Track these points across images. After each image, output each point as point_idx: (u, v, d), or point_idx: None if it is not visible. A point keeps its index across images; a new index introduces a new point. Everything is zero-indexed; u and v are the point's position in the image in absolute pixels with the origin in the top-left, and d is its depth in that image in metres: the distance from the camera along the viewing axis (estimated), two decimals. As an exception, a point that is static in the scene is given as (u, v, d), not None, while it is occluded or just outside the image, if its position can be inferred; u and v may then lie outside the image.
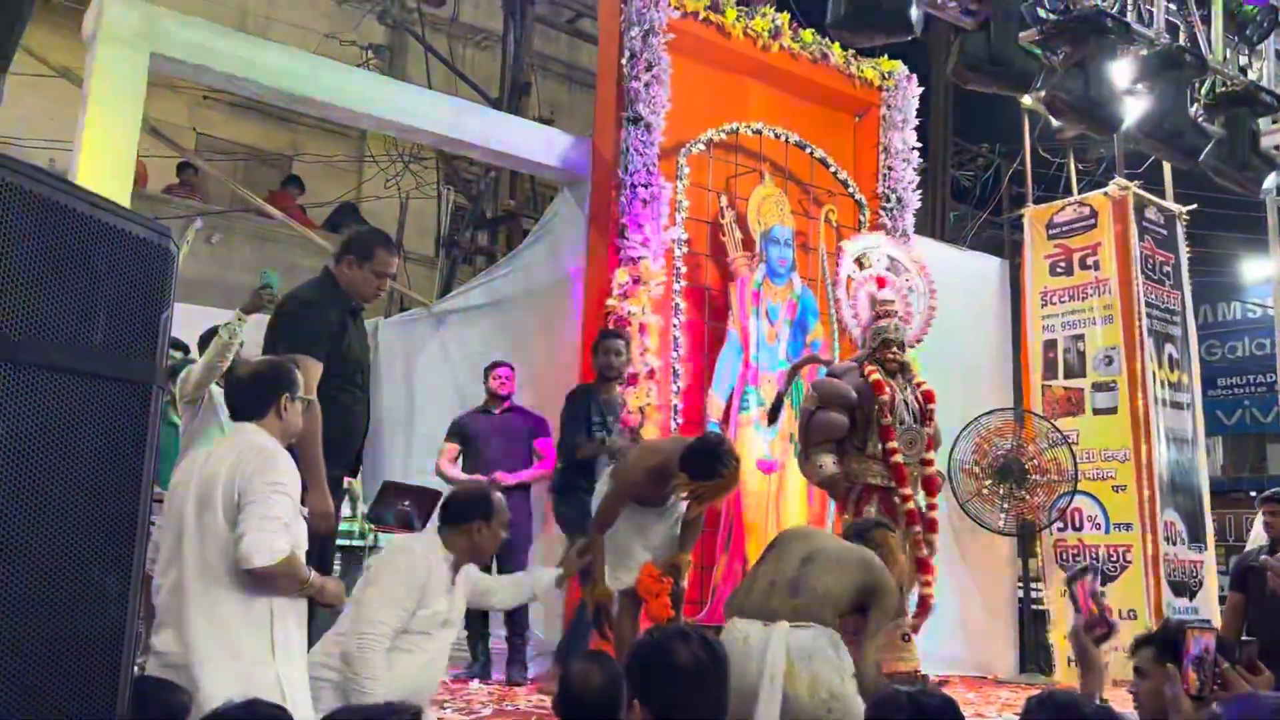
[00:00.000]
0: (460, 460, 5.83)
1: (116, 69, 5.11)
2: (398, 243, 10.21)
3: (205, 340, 4.88)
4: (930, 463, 5.72)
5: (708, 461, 4.16)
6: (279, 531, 2.77)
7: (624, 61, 6.22)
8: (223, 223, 9.63)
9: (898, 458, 5.51)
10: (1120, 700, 3.13)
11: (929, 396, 5.71)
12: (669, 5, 6.37)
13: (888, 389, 5.54)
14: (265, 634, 2.81)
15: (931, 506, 5.74)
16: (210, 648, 2.74)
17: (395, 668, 3.27)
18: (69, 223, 1.72)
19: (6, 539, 1.64)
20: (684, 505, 4.52)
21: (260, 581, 2.77)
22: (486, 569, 5.39)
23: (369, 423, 4.13)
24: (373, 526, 5.87)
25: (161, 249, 1.92)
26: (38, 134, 8.22)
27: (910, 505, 5.54)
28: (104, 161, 5.00)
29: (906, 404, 5.60)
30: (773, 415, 5.90)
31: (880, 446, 5.53)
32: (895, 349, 5.66)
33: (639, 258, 6.07)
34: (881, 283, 6.10)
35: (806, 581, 3.50)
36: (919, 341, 6.15)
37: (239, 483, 2.81)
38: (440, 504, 3.78)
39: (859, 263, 6.36)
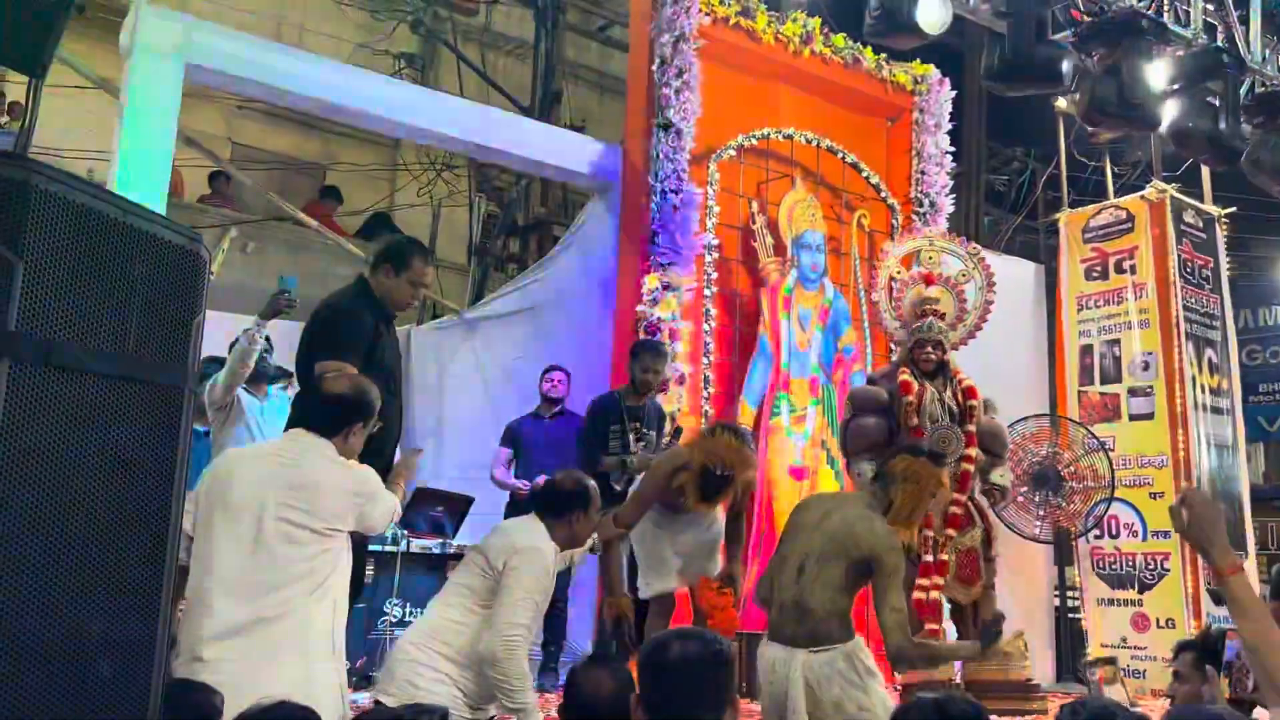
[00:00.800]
0: (513, 465, 5.84)
1: (153, 80, 5.19)
2: (430, 250, 10.30)
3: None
4: (969, 459, 5.55)
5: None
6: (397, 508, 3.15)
7: (655, 68, 6.23)
8: (257, 231, 9.72)
9: None
10: (1159, 710, 3.08)
11: (970, 393, 5.57)
12: (700, 11, 6.37)
13: (915, 389, 5.46)
14: (329, 632, 2.90)
15: (956, 503, 5.58)
16: (273, 642, 2.79)
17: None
18: (105, 229, 1.75)
19: (42, 538, 1.67)
20: (720, 517, 4.50)
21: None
22: None
23: (402, 428, 4.15)
24: (405, 532, 5.89)
25: (193, 255, 1.94)
26: (76, 145, 8.33)
27: (956, 510, 5.43)
28: (141, 171, 5.07)
29: (943, 403, 5.50)
30: None
31: None
32: (930, 348, 5.56)
33: (670, 264, 6.07)
34: (930, 279, 5.96)
35: (806, 603, 3.46)
36: (973, 336, 6.02)
37: (350, 495, 2.98)
38: (539, 495, 3.80)
39: (905, 263, 6.27)
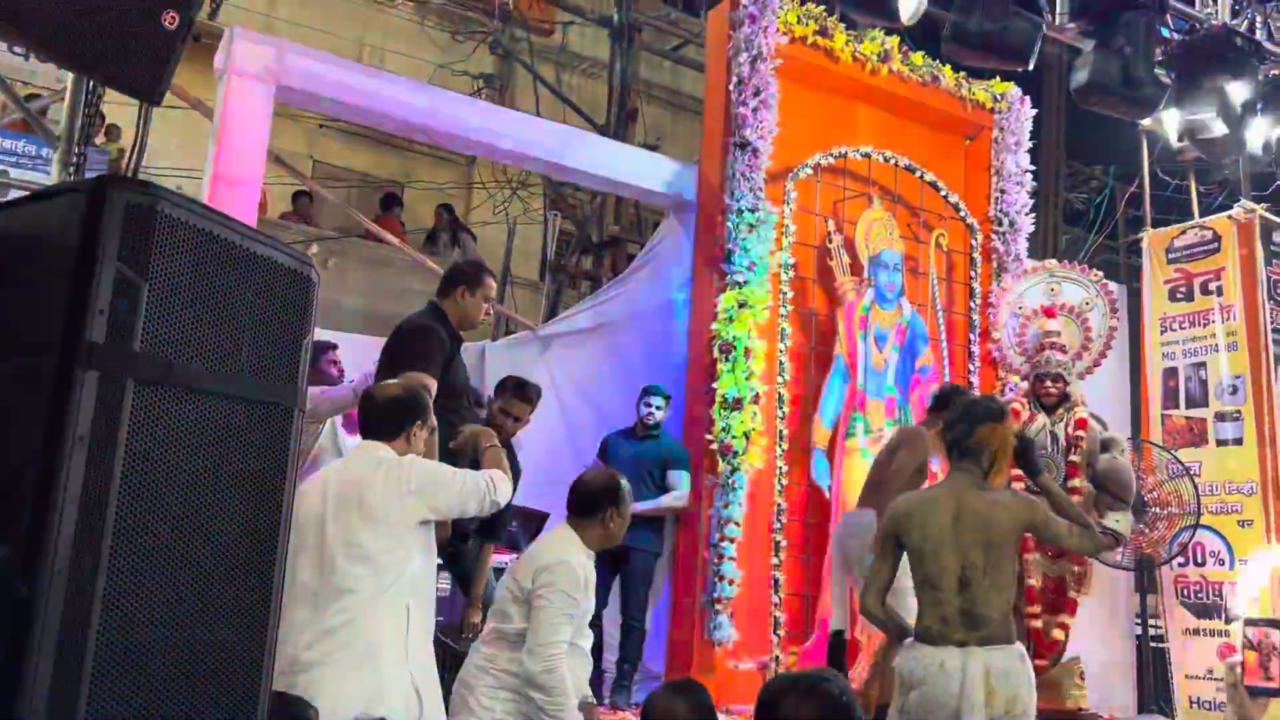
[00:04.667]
0: None
1: (245, 102, 5.33)
2: (505, 266, 10.43)
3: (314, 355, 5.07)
4: (1074, 491, 5.53)
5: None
6: (488, 475, 3.16)
7: (731, 87, 6.25)
8: (337, 248, 9.93)
9: (1020, 484, 5.36)
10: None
11: (1079, 424, 5.59)
12: (777, 31, 6.37)
13: (1023, 418, 5.45)
14: (401, 636, 2.91)
15: None
16: (344, 651, 2.82)
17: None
18: (224, 252, 1.81)
19: (158, 551, 1.73)
20: None
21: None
22: (609, 584, 5.39)
23: None
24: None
25: (304, 277, 2.00)
26: (167, 164, 8.59)
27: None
28: (232, 190, 5.22)
29: (1054, 435, 5.48)
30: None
31: None
32: (1050, 382, 5.58)
33: (745, 282, 6.06)
34: (1050, 313, 5.97)
35: (978, 611, 3.35)
36: (1098, 365, 5.98)
37: (407, 493, 2.97)
38: (569, 498, 3.77)
39: (1025, 298, 6.28)
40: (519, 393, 4.67)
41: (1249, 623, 2.70)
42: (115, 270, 1.67)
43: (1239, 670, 2.55)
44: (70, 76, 3.34)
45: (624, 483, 3.60)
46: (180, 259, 1.74)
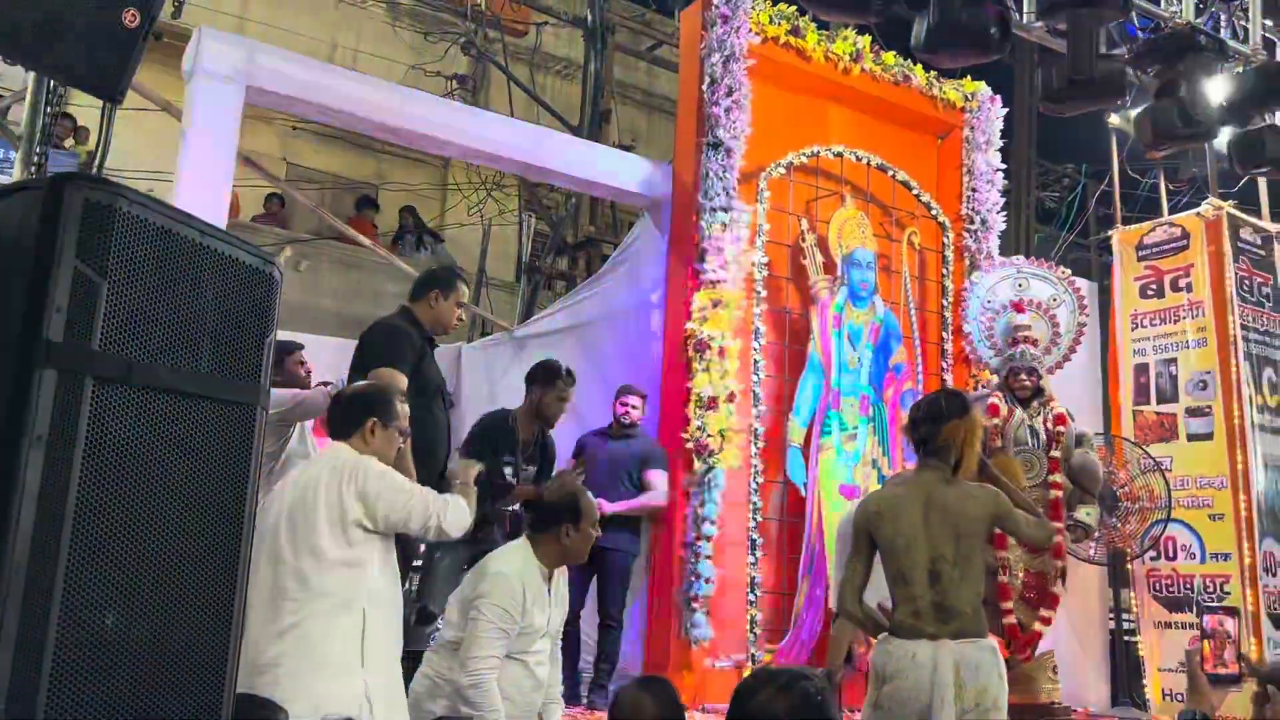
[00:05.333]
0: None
1: (215, 102, 5.29)
2: (480, 268, 10.42)
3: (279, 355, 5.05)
4: (1056, 485, 5.57)
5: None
6: (443, 500, 3.08)
7: (704, 87, 6.26)
8: (310, 250, 9.89)
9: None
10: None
11: (1059, 420, 5.62)
12: (750, 31, 6.40)
13: (1002, 413, 5.48)
14: (356, 643, 2.86)
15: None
16: (295, 656, 2.79)
17: (499, 683, 3.29)
18: (184, 250, 1.80)
19: (119, 551, 1.71)
20: None
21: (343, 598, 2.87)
22: (585, 585, 5.37)
23: (450, 442, 4.26)
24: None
25: (266, 275, 1.99)
26: (136, 166, 8.53)
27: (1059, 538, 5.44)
28: (202, 192, 5.18)
29: (1032, 429, 5.52)
30: None
31: None
32: (1024, 375, 5.61)
33: (719, 281, 6.07)
34: (1019, 308, 6.01)
35: (950, 603, 3.36)
36: (1068, 359, 6.03)
37: (350, 494, 2.91)
38: (527, 511, 3.78)
39: (994, 291, 6.30)
40: (570, 377, 5.00)
41: (1205, 610, 2.75)
42: (73, 268, 1.65)
43: (1198, 659, 2.58)
44: (32, 77, 3.32)
45: (585, 501, 3.59)
46: (140, 256, 1.73)
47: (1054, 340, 5.92)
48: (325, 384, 4.89)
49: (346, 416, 3.13)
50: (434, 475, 4.12)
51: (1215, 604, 3.42)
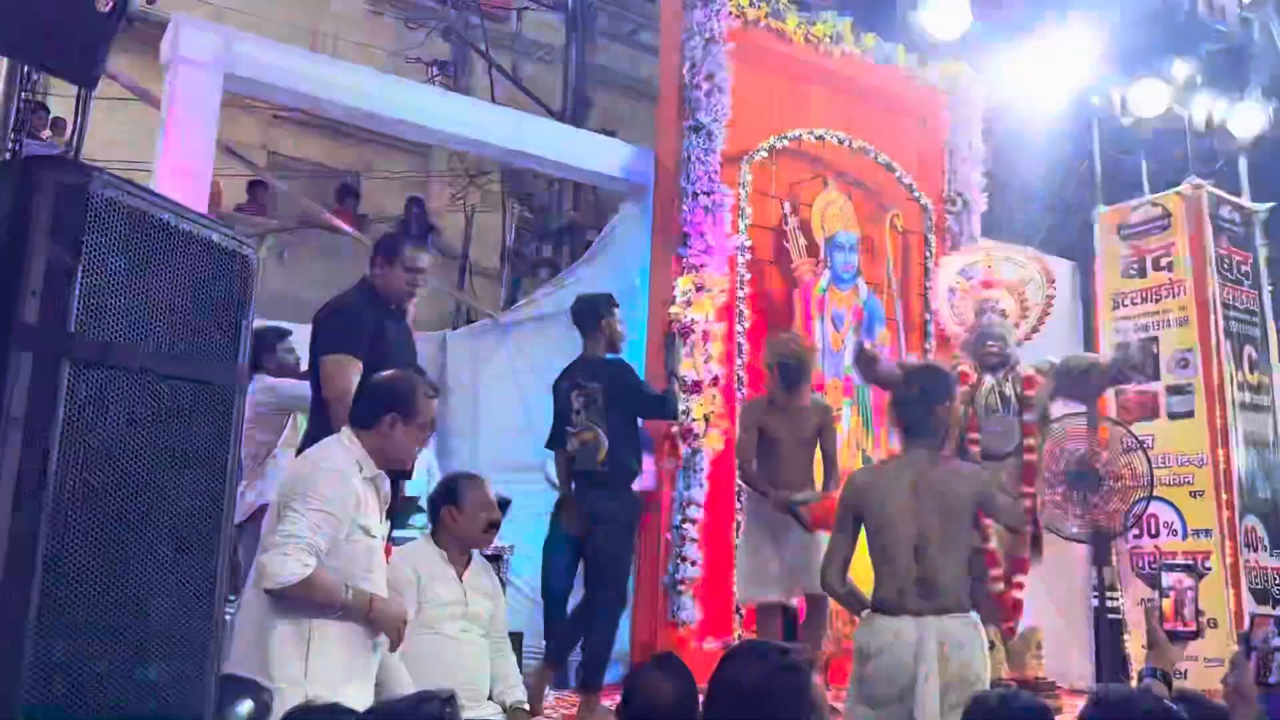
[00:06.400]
0: None
1: (193, 90, 5.26)
2: (464, 254, 10.39)
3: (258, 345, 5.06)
4: (1029, 449, 5.62)
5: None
6: (299, 552, 2.65)
7: (685, 71, 6.26)
8: (293, 239, 9.84)
9: (974, 448, 5.43)
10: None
11: (1027, 383, 5.66)
12: (729, 14, 6.39)
13: (972, 380, 5.51)
14: (300, 655, 2.75)
15: (1026, 494, 5.62)
16: (242, 661, 2.72)
17: (413, 667, 3.17)
18: (159, 232, 1.80)
19: (98, 532, 1.72)
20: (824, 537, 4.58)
21: (285, 601, 2.69)
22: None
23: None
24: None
25: (242, 256, 1.99)
26: (117, 156, 8.47)
27: (1029, 502, 5.50)
28: (182, 181, 5.15)
29: (1002, 395, 5.55)
30: None
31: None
32: (992, 343, 5.66)
33: (702, 265, 6.08)
34: (990, 284, 6.06)
35: (934, 580, 3.40)
36: (1038, 331, 6.09)
37: (283, 493, 2.83)
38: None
39: (963, 274, 6.32)
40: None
41: (1166, 568, 2.78)
42: (47, 251, 1.65)
43: (1157, 615, 2.61)
44: (4, 62, 3.28)
45: (462, 483, 3.62)
46: (114, 239, 1.73)
47: (1023, 314, 5.98)
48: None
49: (367, 408, 3.03)
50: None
51: (1175, 563, 3.48)
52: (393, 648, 3.03)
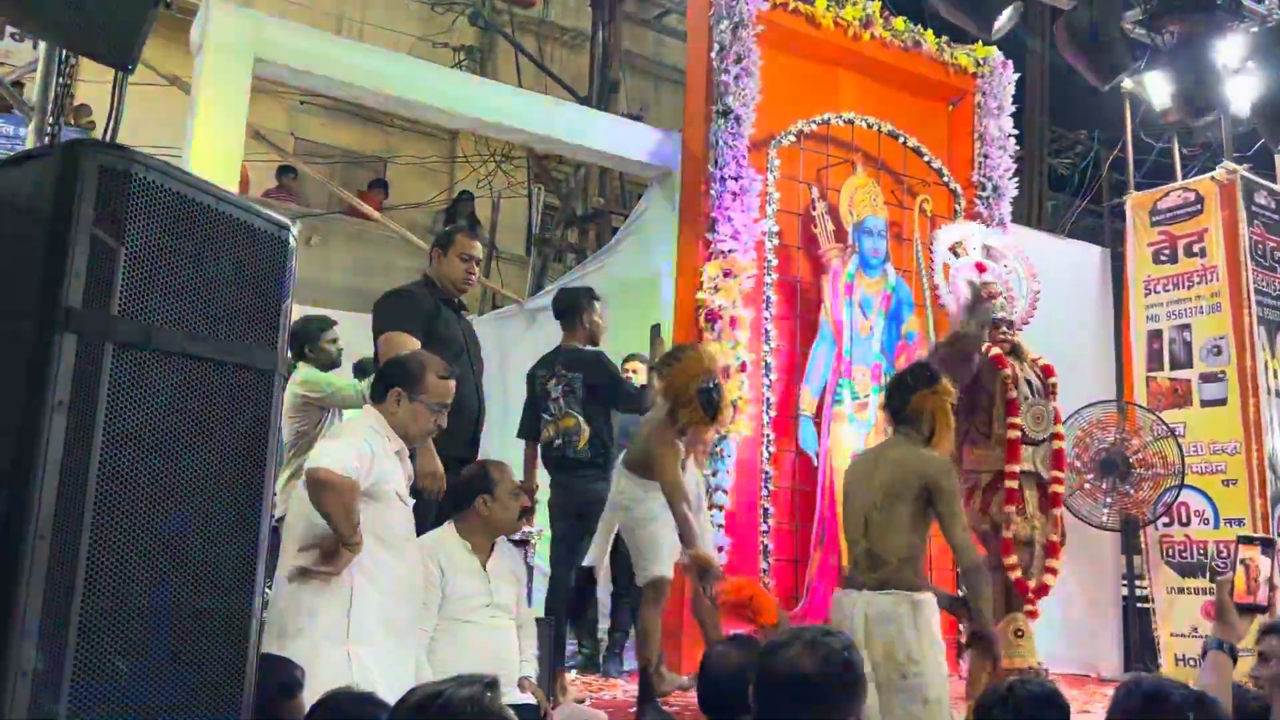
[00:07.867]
0: None
1: (223, 75, 5.28)
2: (490, 242, 10.40)
3: (295, 338, 5.11)
4: (1060, 436, 5.55)
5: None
6: (350, 454, 2.73)
7: (713, 55, 6.21)
8: (321, 225, 9.89)
9: (1014, 434, 5.31)
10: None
11: (1048, 371, 5.58)
12: (758, -3, 6.34)
13: (1009, 364, 5.42)
14: (343, 613, 2.85)
15: (1056, 480, 5.54)
16: (289, 618, 2.82)
17: (436, 656, 3.25)
18: (200, 215, 1.81)
19: (141, 515, 1.73)
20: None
21: (315, 490, 2.68)
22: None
23: (481, 405, 4.23)
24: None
25: (280, 240, 1.99)
26: (146, 140, 8.52)
27: (1059, 488, 5.44)
28: (212, 166, 5.16)
29: (1029, 381, 5.48)
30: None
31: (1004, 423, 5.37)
32: (1005, 328, 5.55)
33: (729, 251, 6.05)
34: (981, 268, 5.97)
35: (877, 552, 3.57)
36: (1025, 324, 6.02)
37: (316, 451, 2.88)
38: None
39: (954, 251, 6.22)
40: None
41: (1243, 540, 2.75)
42: (91, 234, 1.66)
43: (1229, 588, 2.58)
44: (43, 48, 3.31)
45: (495, 470, 3.60)
46: (156, 222, 1.73)
47: (1010, 303, 5.90)
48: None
49: (378, 382, 3.16)
50: (465, 431, 4.04)
51: (1254, 536, 3.46)
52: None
